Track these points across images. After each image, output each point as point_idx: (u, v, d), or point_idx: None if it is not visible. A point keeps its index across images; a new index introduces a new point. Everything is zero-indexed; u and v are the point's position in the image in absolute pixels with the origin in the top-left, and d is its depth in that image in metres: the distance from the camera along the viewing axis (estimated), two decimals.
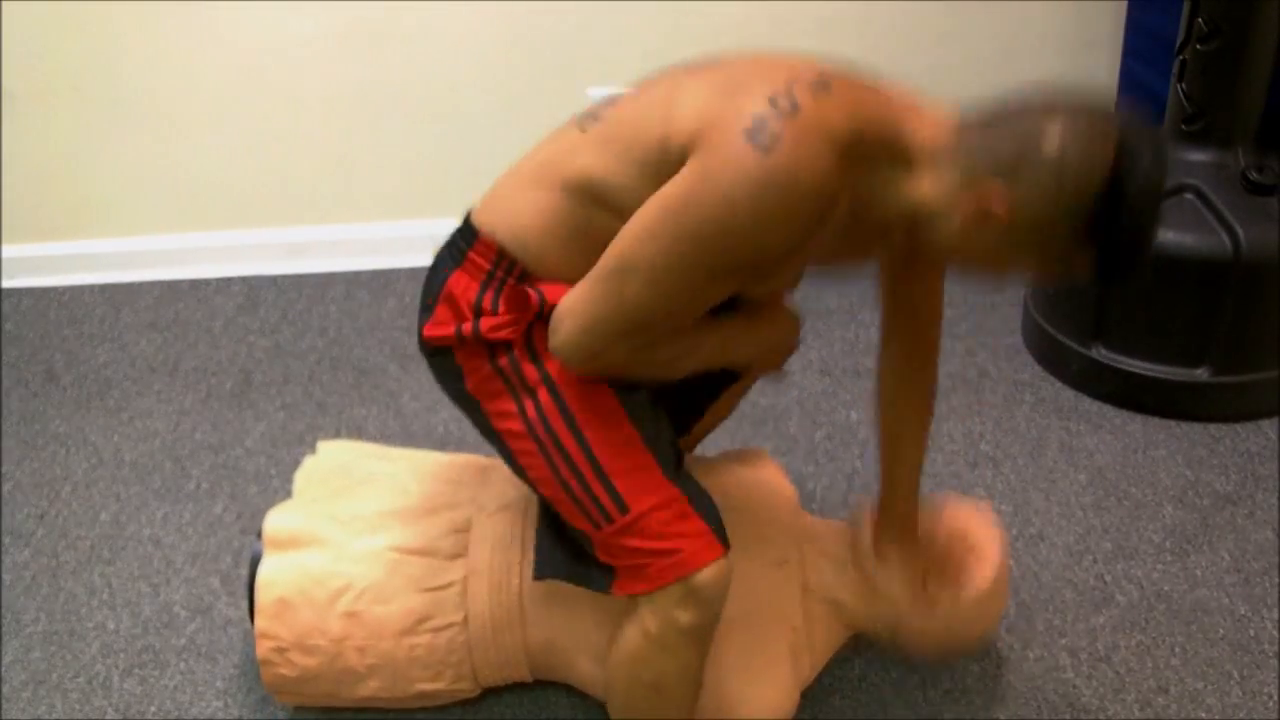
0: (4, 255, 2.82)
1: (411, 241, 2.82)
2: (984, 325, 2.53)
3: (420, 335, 1.42)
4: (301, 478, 1.75)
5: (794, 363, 1.71)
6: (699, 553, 1.29)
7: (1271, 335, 2.21)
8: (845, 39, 2.71)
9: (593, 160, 1.30)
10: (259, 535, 1.63)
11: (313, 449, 2.23)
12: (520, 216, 1.35)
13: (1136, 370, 2.26)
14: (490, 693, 1.68)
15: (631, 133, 1.28)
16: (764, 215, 1.16)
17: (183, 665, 1.77)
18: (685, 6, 2.64)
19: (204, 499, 2.10)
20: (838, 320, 2.57)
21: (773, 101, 1.18)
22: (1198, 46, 2.15)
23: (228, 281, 2.81)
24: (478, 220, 1.39)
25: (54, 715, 1.69)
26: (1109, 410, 2.29)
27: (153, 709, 1.70)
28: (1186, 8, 2.16)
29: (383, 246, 2.85)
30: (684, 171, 1.20)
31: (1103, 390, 2.32)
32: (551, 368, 1.34)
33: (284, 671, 1.57)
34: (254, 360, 2.51)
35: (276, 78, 2.67)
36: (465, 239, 1.39)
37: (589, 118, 1.35)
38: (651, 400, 1.39)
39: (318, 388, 2.41)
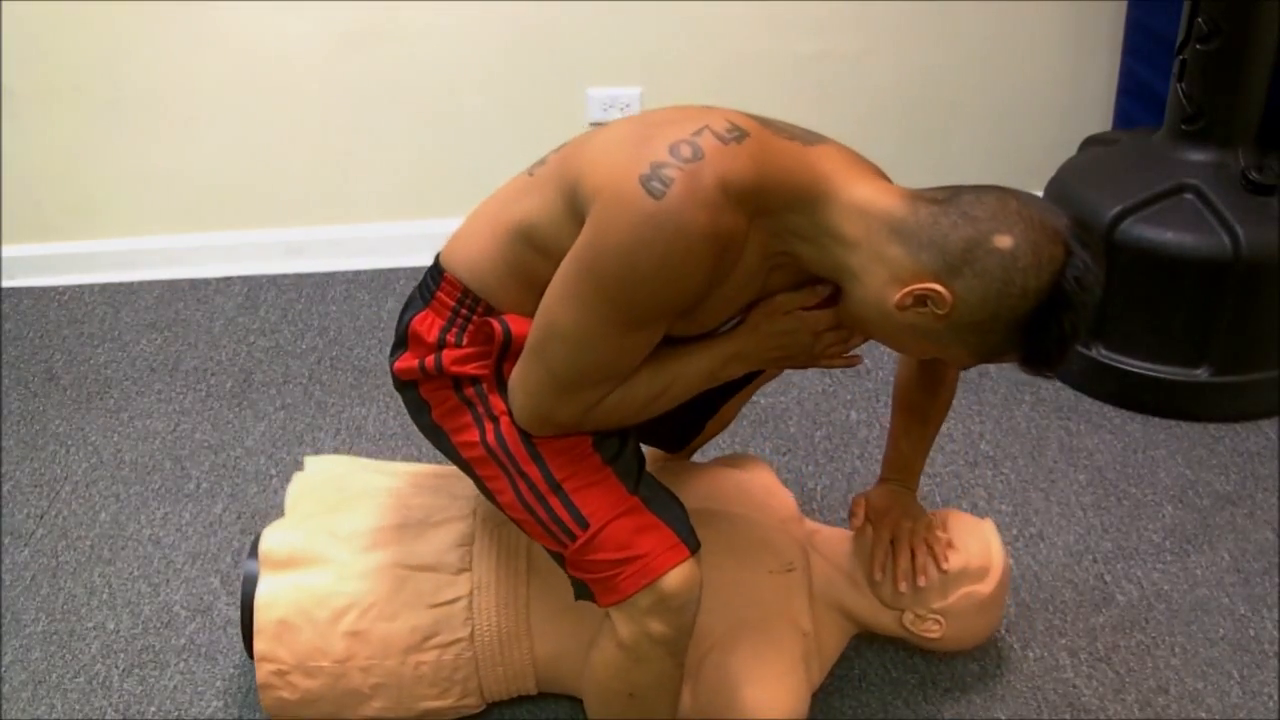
0: (4, 255, 2.82)
1: (411, 241, 2.82)
2: None
3: (391, 370, 1.45)
4: (293, 493, 1.72)
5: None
6: (663, 556, 1.30)
7: (1271, 335, 2.21)
8: (845, 39, 2.72)
9: (531, 204, 1.32)
10: (250, 554, 1.61)
11: (313, 449, 2.23)
12: (478, 258, 1.37)
13: (1136, 370, 2.26)
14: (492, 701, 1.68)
15: (559, 176, 1.29)
16: (659, 261, 1.16)
17: (183, 665, 1.77)
18: (685, 7, 2.65)
19: (204, 499, 2.10)
20: None
21: (673, 149, 1.19)
22: (1198, 46, 2.15)
23: (228, 281, 2.81)
24: (444, 260, 1.42)
25: (54, 715, 1.69)
26: (1109, 410, 2.29)
27: (153, 709, 1.70)
28: (1186, 8, 2.16)
29: (382, 246, 2.85)
30: (587, 223, 1.21)
31: (1103, 390, 2.32)
32: None
33: (285, 695, 1.54)
34: (254, 360, 2.51)
35: (276, 78, 2.67)
36: (434, 278, 1.42)
37: (539, 163, 1.38)
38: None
39: (318, 388, 2.41)
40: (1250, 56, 2.14)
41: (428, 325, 1.40)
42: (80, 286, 2.81)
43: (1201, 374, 2.22)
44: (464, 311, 1.38)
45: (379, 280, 2.80)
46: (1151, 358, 2.25)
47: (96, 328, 2.65)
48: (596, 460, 1.34)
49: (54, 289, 2.80)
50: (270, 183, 2.80)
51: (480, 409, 1.37)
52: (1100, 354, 2.29)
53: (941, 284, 1.19)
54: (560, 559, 1.37)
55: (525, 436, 1.34)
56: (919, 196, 1.23)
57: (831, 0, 2.67)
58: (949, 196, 1.22)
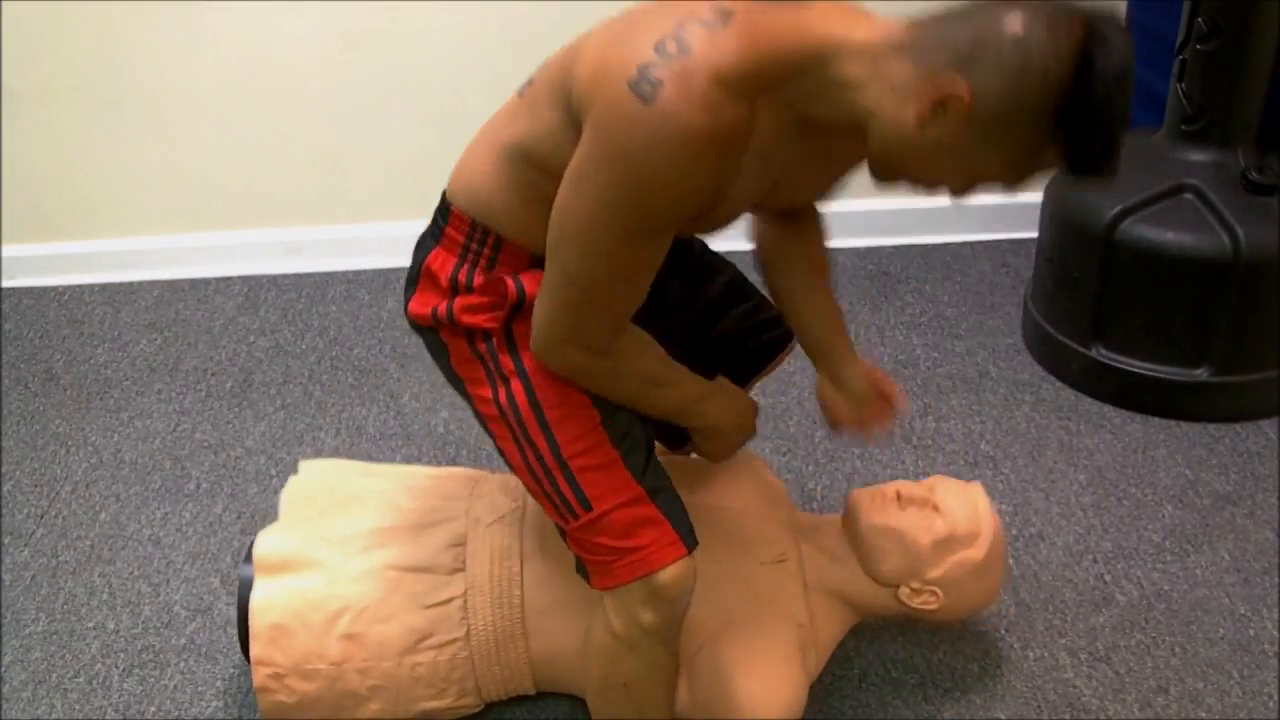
0: (4, 255, 2.82)
1: (411, 241, 2.80)
2: (984, 325, 2.53)
3: (406, 313, 1.44)
4: (286, 498, 1.72)
5: (795, 362, 1.71)
6: (660, 552, 1.30)
7: (1271, 335, 2.21)
8: None
9: (524, 124, 1.30)
10: (246, 558, 1.62)
11: (313, 449, 2.23)
12: (479, 186, 1.36)
13: (1136, 370, 2.26)
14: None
15: (548, 91, 1.27)
16: (661, 166, 1.12)
17: (183, 665, 1.77)
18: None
19: (204, 499, 2.10)
20: None
21: (658, 48, 1.13)
22: (1198, 46, 2.15)
23: (228, 281, 2.81)
24: (450, 195, 1.41)
25: (54, 715, 1.69)
26: (1109, 410, 2.29)
27: (153, 709, 1.70)
28: (1186, 8, 2.16)
29: (382, 246, 2.85)
30: (584, 135, 1.18)
31: (1103, 390, 2.32)
32: (527, 361, 1.34)
33: (282, 698, 1.55)
34: (254, 360, 2.51)
35: (276, 78, 2.67)
36: (442, 215, 1.42)
37: (527, 83, 1.35)
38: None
39: (318, 388, 2.41)
40: (1250, 56, 2.14)
41: (441, 262, 1.39)
42: (80, 286, 2.81)
43: (1201, 374, 2.22)
44: (474, 246, 1.37)
45: (379, 280, 2.80)
46: (1151, 358, 2.25)
47: (96, 328, 2.65)
48: (605, 441, 1.33)
49: (54, 289, 2.80)
50: (270, 183, 2.80)
51: (491, 366, 1.37)
52: (1100, 354, 2.29)
53: (959, 80, 1.10)
54: (561, 531, 1.38)
55: (534, 406, 1.34)
56: (920, 19, 1.18)
57: (831, 1, 2.67)
58: (948, 10, 1.16)
